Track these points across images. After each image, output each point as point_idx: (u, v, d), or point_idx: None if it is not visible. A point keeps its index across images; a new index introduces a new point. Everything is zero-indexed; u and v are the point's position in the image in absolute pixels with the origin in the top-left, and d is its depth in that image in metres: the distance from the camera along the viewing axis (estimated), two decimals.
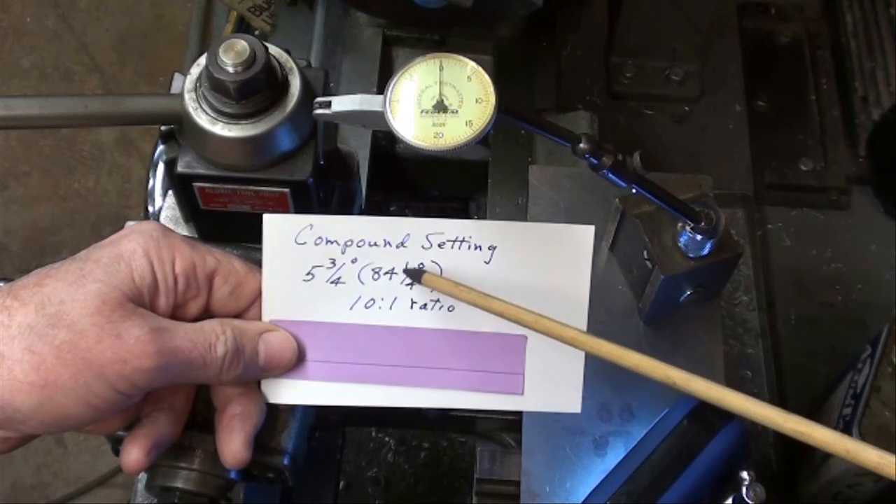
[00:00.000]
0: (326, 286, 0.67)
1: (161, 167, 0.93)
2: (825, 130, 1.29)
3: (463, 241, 0.66)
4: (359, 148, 0.95)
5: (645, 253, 0.80)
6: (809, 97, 1.32)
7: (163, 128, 0.71)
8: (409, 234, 0.66)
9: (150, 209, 0.97)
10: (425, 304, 0.66)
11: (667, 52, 1.31)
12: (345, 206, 0.80)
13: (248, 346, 0.64)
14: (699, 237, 0.76)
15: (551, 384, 0.67)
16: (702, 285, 0.81)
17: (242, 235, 0.72)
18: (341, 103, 0.65)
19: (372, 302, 0.67)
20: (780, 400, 1.09)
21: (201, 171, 0.70)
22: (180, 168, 0.70)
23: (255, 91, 0.67)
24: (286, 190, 0.70)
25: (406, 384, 0.67)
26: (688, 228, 0.77)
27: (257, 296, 0.67)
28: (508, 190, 1.04)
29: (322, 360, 0.67)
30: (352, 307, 0.67)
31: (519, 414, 0.83)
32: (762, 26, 1.37)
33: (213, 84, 0.67)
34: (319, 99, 0.66)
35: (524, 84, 1.15)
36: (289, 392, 0.67)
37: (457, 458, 1.20)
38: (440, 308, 0.66)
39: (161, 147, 0.72)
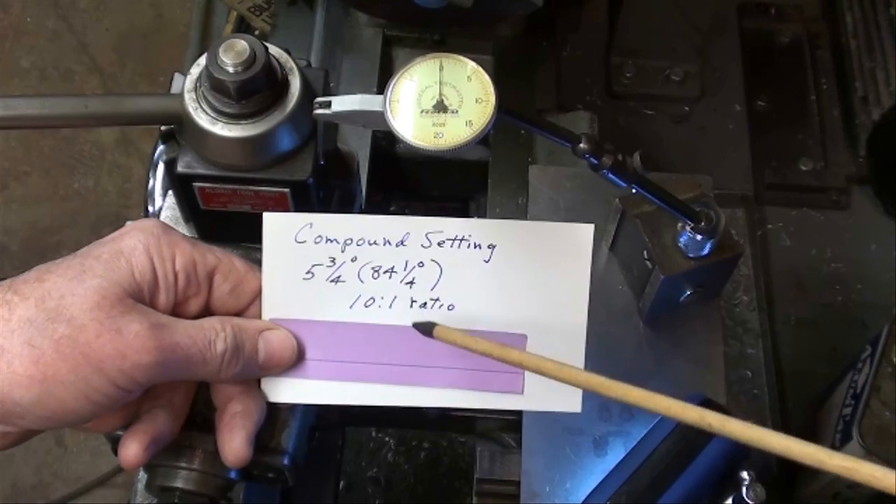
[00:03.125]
0: (326, 285, 0.67)
1: (161, 167, 0.93)
2: (825, 130, 1.29)
3: (462, 239, 0.66)
4: (359, 148, 0.95)
5: (645, 253, 0.80)
6: (809, 97, 1.32)
7: (163, 128, 0.71)
8: (408, 233, 0.66)
9: (150, 209, 0.97)
10: (425, 303, 0.67)
11: (667, 52, 1.31)
12: (345, 206, 0.80)
13: (247, 343, 0.64)
14: (699, 237, 0.77)
15: (552, 383, 0.66)
16: (702, 285, 0.81)
17: (242, 235, 0.72)
18: (341, 103, 0.65)
19: (372, 301, 0.67)
20: (780, 400, 1.09)
21: (201, 171, 0.70)
22: (180, 168, 0.70)
23: (255, 91, 0.67)
24: (286, 190, 0.70)
25: (406, 383, 0.67)
26: (688, 228, 0.77)
27: (257, 294, 0.67)
28: (508, 190, 1.04)
29: (322, 359, 0.67)
30: (352, 306, 0.67)
31: (519, 414, 0.83)
32: (762, 26, 1.37)
33: (213, 84, 0.67)
34: (319, 99, 0.66)
35: (524, 84, 1.15)
36: (289, 391, 0.67)
37: (457, 458, 1.20)
38: (440, 307, 0.66)
39: (161, 147, 0.72)
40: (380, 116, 0.61)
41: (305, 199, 0.71)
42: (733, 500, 0.73)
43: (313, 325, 0.67)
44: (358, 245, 0.67)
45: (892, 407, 0.89)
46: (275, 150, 0.69)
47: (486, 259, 0.67)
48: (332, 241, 0.67)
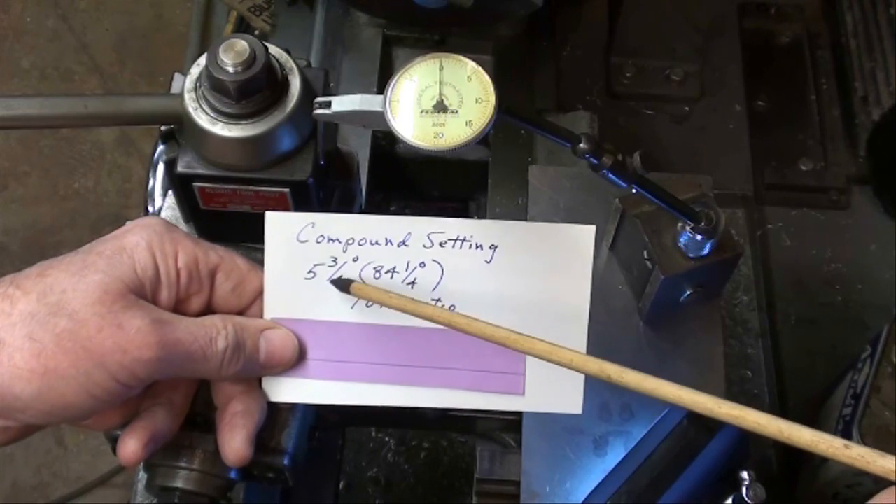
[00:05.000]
0: (328, 284, 0.67)
1: (161, 167, 0.93)
2: (825, 130, 1.29)
3: (464, 240, 0.67)
4: (359, 148, 0.95)
5: (645, 253, 0.80)
6: (809, 97, 1.32)
7: (163, 128, 0.71)
8: (410, 233, 0.66)
9: (150, 209, 0.97)
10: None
11: (667, 52, 1.31)
12: (345, 206, 0.80)
13: (248, 342, 0.64)
14: (699, 237, 0.76)
15: (552, 385, 0.66)
16: (702, 285, 0.81)
17: (242, 235, 0.72)
18: (341, 103, 0.65)
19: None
20: (780, 400, 1.09)
21: (201, 171, 0.70)
22: (180, 168, 0.70)
23: (255, 91, 0.67)
24: (286, 190, 0.70)
25: (407, 383, 0.67)
26: (688, 228, 0.77)
27: (259, 294, 0.67)
28: (508, 190, 1.04)
29: (323, 359, 0.67)
30: (353, 306, 0.67)
31: (519, 414, 0.83)
32: (762, 26, 1.37)
33: (213, 84, 0.67)
34: (319, 99, 0.66)
35: (524, 84, 1.15)
36: (289, 390, 0.67)
37: (457, 458, 1.20)
38: (442, 307, 0.66)
39: (161, 147, 0.72)
40: (380, 116, 0.61)
41: (305, 199, 0.71)
42: (733, 500, 0.73)
43: (315, 325, 0.67)
44: (360, 245, 0.67)
45: (892, 407, 0.89)
46: (275, 150, 0.69)
47: (488, 260, 0.67)
48: (334, 241, 0.67)
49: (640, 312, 0.85)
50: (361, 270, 0.67)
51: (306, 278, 0.67)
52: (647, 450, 0.75)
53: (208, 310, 0.65)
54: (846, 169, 1.26)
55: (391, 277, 0.67)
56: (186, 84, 0.69)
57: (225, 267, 0.65)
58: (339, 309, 0.67)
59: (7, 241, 2.14)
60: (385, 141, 1.07)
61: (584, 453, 0.80)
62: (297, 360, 0.67)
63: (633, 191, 0.69)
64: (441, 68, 0.61)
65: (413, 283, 0.67)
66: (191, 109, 0.68)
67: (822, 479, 0.96)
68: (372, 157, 1.04)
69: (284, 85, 0.69)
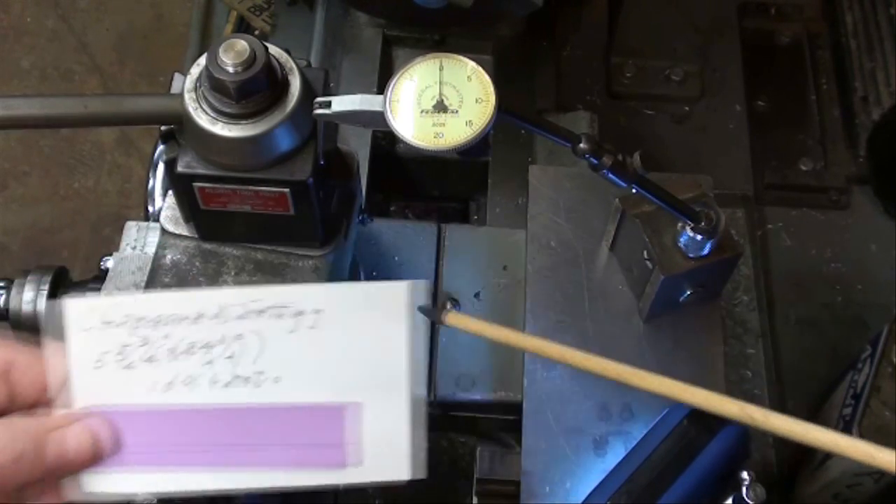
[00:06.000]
0: (140, 366, 0.63)
1: (161, 167, 0.93)
2: (825, 130, 1.29)
3: (283, 307, 0.64)
4: (359, 148, 0.95)
5: (645, 253, 0.80)
6: (809, 97, 1.32)
7: (163, 128, 0.71)
8: (223, 305, 0.63)
9: (150, 209, 0.98)
10: (248, 378, 0.63)
11: (667, 52, 1.31)
12: (345, 206, 0.80)
13: (27, 447, 0.58)
14: (699, 237, 0.77)
15: (376, 452, 0.64)
16: (702, 285, 0.81)
17: (242, 235, 0.72)
18: (341, 103, 0.65)
19: (190, 379, 0.63)
20: (780, 400, 1.09)
21: (201, 171, 0.70)
22: (180, 168, 0.70)
23: (255, 91, 0.67)
24: (286, 190, 0.70)
25: (227, 466, 0.63)
26: (688, 228, 0.77)
27: (62, 383, 0.62)
28: (508, 190, 1.04)
29: (141, 447, 0.63)
30: (169, 387, 0.63)
31: (519, 414, 0.83)
32: (762, 26, 1.37)
33: (213, 84, 0.67)
34: (319, 99, 0.66)
35: (524, 84, 1.15)
36: (107, 482, 0.63)
37: (457, 458, 1.19)
38: (265, 380, 0.63)
39: (161, 147, 0.72)
40: (380, 116, 0.61)
41: (305, 199, 0.71)
42: (733, 500, 0.73)
43: (129, 411, 0.63)
44: (170, 323, 0.63)
45: (892, 407, 0.89)
46: (275, 150, 0.69)
47: (311, 325, 0.64)
48: (142, 321, 0.63)
49: (640, 312, 0.85)
50: (175, 349, 0.63)
51: (116, 362, 0.63)
52: (647, 450, 0.75)
53: (7, 408, 0.61)
54: (846, 169, 1.26)
55: (207, 353, 0.63)
56: (186, 84, 0.69)
57: (20, 364, 0.61)
58: (152, 392, 0.63)
59: (7, 241, 2.14)
60: (385, 141, 1.07)
61: (584, 453, 0.80)
62: (112, 451, 0.62)
63: (633, 191, 0.69)
64: (441, 68, 0.61)
65: (231, 357, 0.63)
66: (191, 109, 0.68)
67: (822, 479, 0.96)
68: (372, 157, 1.04)
69: (284, 85, 0.69)
